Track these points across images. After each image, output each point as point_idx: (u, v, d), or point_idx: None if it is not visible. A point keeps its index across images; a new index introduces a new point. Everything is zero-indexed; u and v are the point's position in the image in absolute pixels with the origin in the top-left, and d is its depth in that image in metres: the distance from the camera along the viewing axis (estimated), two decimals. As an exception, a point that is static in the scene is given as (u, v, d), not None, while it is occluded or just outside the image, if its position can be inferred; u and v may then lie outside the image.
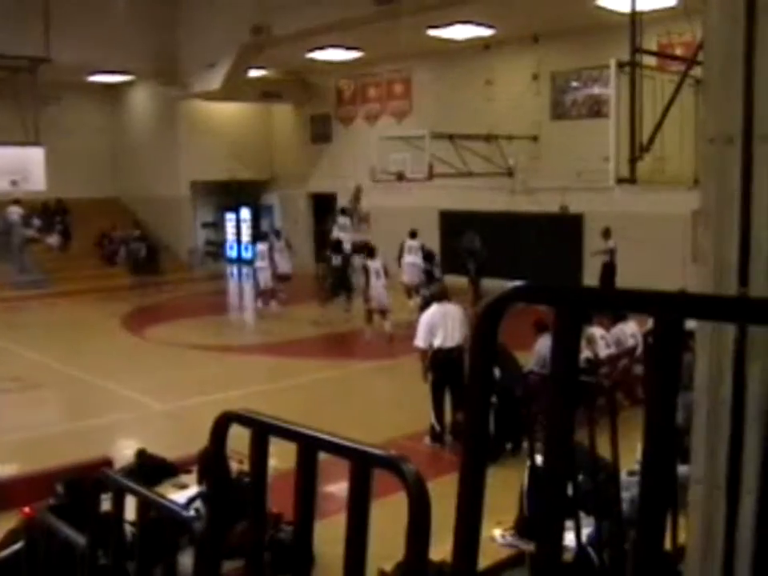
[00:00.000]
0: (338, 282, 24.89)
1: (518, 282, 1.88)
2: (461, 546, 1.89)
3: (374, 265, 21.96)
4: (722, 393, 3.12)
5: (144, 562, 4.19)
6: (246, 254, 37.66)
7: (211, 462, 2.96)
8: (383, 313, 21.73)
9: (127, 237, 33.38)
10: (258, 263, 25.76)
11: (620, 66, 11.78)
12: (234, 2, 27.32)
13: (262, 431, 2.51)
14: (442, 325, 12.93)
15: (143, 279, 30.29)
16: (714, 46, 3.25)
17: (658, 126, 11.23)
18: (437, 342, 12.88)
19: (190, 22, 30.13)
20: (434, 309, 13.20)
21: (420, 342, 13.07)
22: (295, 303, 26.59)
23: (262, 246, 25.99)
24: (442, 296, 13.55)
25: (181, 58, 31.29)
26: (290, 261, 26.93)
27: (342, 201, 32.79)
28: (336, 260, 25.09)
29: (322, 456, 2.30)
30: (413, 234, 25.83)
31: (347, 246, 25.94)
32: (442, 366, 12.79)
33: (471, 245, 26.12)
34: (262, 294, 26.08)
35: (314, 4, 23.46)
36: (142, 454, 10.10)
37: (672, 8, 19.17)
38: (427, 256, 25.53)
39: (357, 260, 24.99)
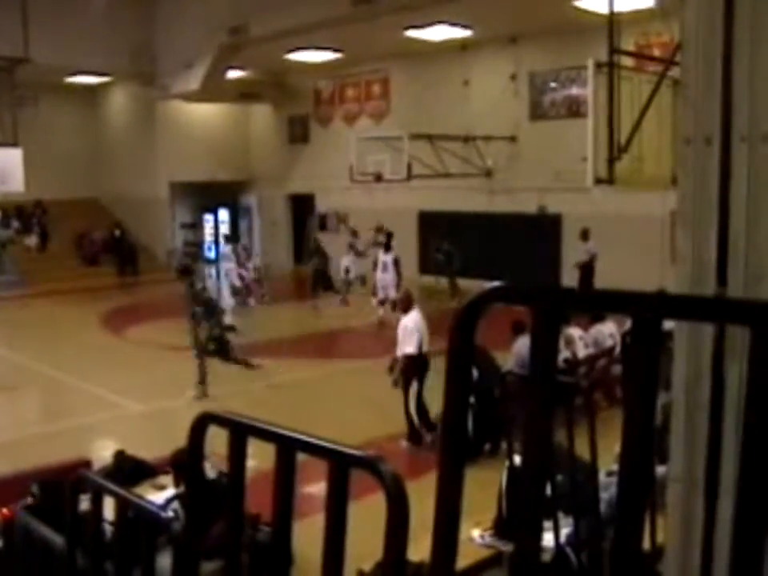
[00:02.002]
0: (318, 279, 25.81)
1: (496, 283, 1.87)
2: (439, 546, 1.89)
3: (384, 258, 22.72)
4: (701, 392, 3.13)
5: (122, 562, 4.18)
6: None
7: (189, 463, 2.94)
8: (381, 303, 22.96)
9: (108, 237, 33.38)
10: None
11: (598, 66, 11.79)
12: (212, 2, 27.28)
13: (240, 432, 2.50)
14: (423, 330, 13.02)
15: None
16: (692, 47, 3.26)
17: (636, 127, 11.25)
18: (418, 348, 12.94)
19: (168, 22, 30.09)
20: (415, 315, 13.18)
21: (412, 348, 12.93)
22: (274, 303, 26.69)
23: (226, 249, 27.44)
24: (411, 302, 13.53)
25: (159, 59, 31.23)
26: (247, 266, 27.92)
27: (321, 202, 33.22)
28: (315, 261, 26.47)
29: (301, 456, 2.29)
30: (387, 246, 24.72)
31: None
32: (421, 368, 12.83)
33: (447, 248, 26.20)
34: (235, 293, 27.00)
35: (292, 4, 23.42)
36: (120, 455, 10.05)
37: (650, 9, 19.23)
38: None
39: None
